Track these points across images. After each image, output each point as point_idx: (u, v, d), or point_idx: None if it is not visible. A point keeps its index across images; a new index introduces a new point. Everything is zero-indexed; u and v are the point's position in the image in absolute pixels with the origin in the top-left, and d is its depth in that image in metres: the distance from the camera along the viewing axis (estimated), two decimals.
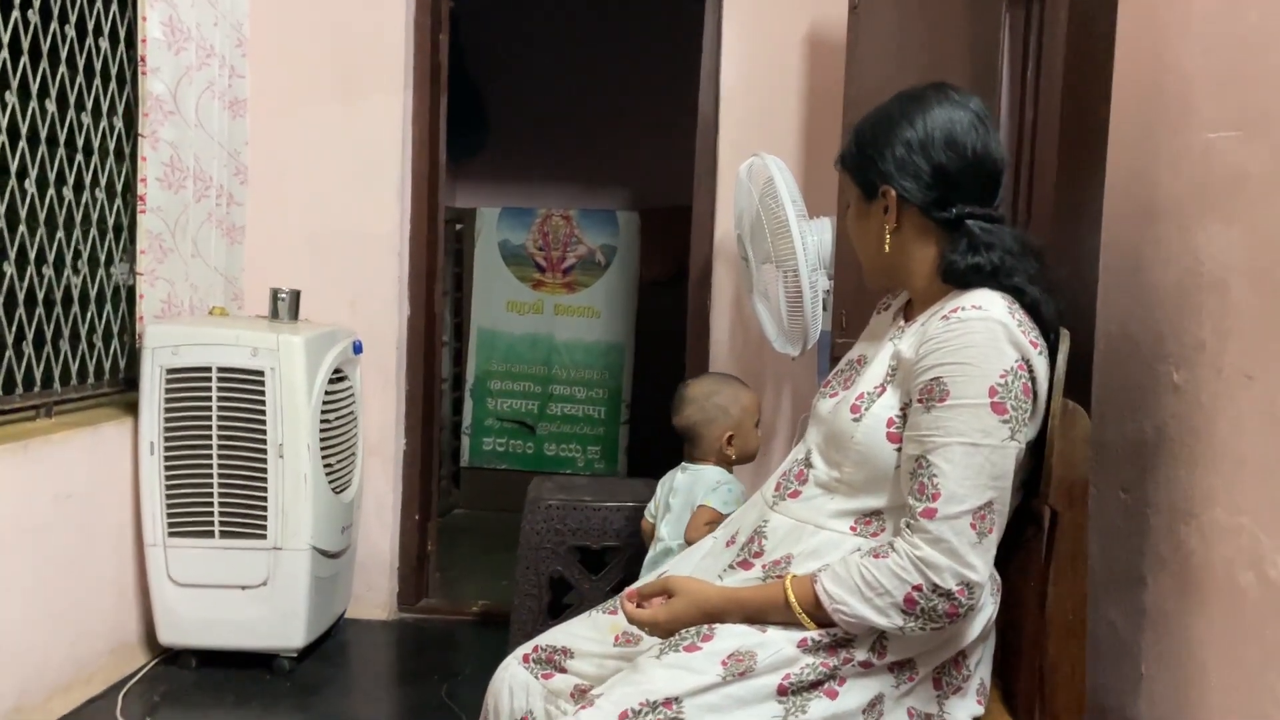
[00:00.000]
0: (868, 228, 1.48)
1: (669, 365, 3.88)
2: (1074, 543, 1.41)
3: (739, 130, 3.13)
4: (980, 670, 1.44)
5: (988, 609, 1.39)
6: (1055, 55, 2.10)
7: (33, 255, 2.53)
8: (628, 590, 1.51)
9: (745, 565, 1.46)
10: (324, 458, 2.80)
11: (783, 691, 1.30)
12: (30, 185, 2.50)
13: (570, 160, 5.06)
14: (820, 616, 1.32)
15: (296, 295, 2.94)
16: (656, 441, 4.60)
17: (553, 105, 4.97)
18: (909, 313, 1.49)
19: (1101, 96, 1.70)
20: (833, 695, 1.32)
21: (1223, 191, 1.32)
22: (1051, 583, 1.42)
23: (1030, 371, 1.32)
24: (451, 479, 4.95)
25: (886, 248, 1.44)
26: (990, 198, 1.41)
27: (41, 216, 2.54)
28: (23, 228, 2.48)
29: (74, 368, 2.68)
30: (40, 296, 2.55)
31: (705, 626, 1.37)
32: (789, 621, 1.35)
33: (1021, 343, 1.31)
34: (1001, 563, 1.49)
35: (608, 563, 2.70)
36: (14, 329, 2.47)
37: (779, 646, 1.32)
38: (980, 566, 1.28)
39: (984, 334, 1.30)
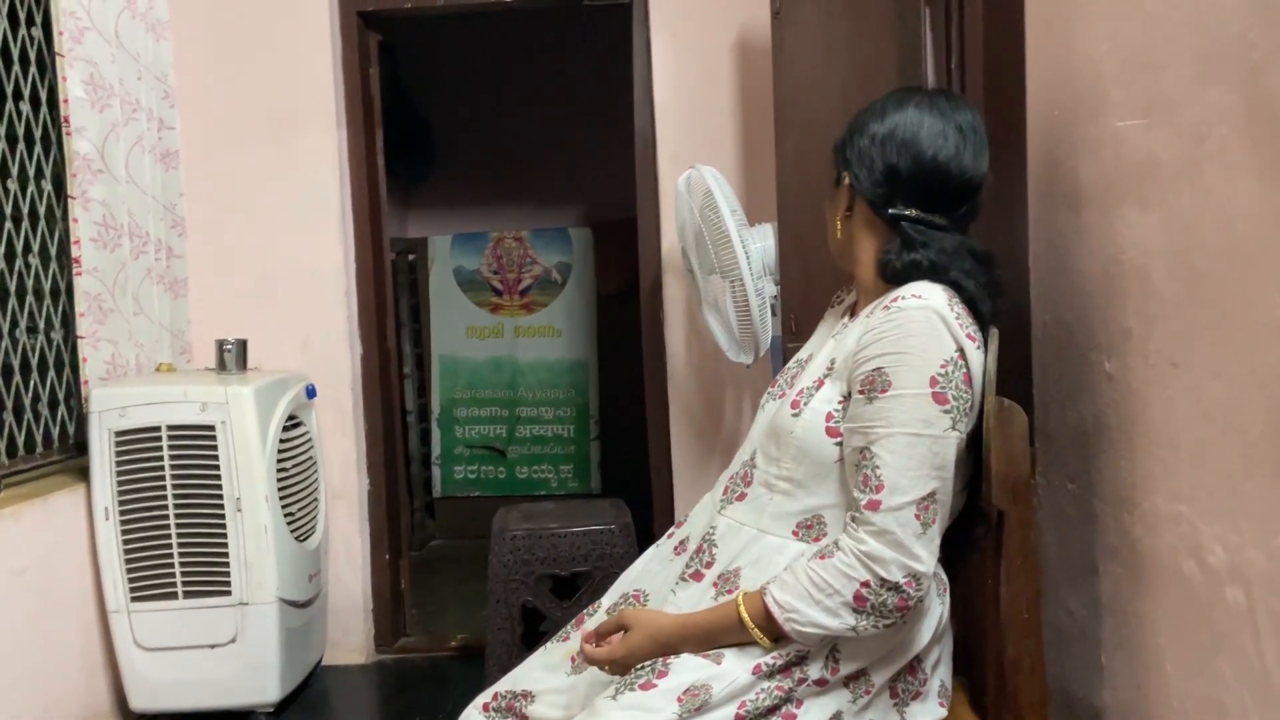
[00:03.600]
0: (831, 211, 1.52)
1: (634, 378, 3.87)
2: (1022, 540, 1.40)
3: (676, 142, 3.13)
4: (939, 673, 1.43)
5: (935, 610, 1.39)
6: (975, 48, 2.11)
7: None
8: (585, 631, 1.50)
9: (697, 577, 1.45)
10: (284, 506, 2.76)
11: None
12: None
13: (519, 182, 5.04)
14: (774, 631, 1.31)
15: (243, 345, 2.90)
16: (628, 456, 4.59)
17: (498, 128, 4.95)
18: (855, 310, 1.50)
19: (1017, 87, 1.70)
20: (791, 719, 1.30)
21: (1137, 178, 1.32)
22: (1004, 581, 1.41)
23: (967, 363, 1.32)
24: (425, 510, 4.91)
25: (839, 233, 1.49)
26: (942, 206, 1.40)
27: None
28: None
29: (20, 439, 2.63)
30: None
31: (660, 662, 1.35)
32: (744, 641, 1.33)
33: (959, 334, 1.31)
34: (955, 564, 1.49)
35: (579, 587, 2.68)
36: None
37: (734, 675, 1.31)
38: (925, 557, 1.28)
39: (923, 323, 1.30)
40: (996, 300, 1.39)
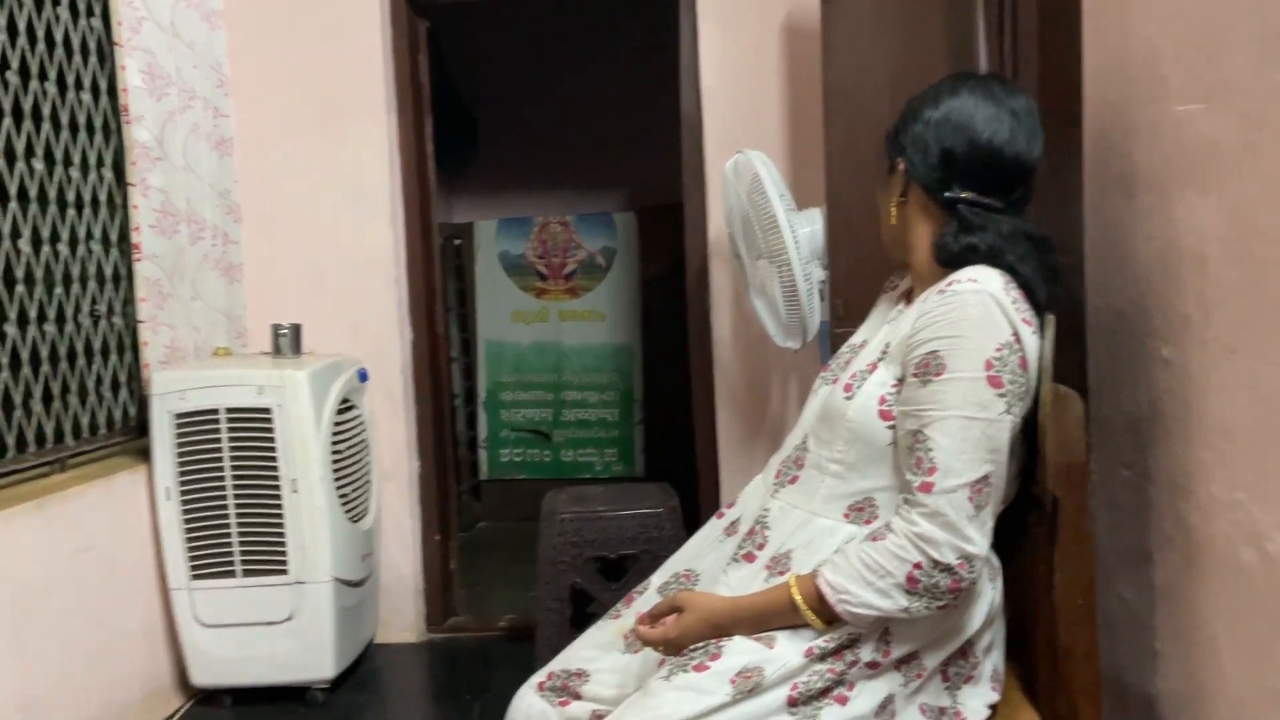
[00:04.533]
0: (884, 198, 1.52)
1: (679, 362, 3.88)
2: (1077, 527, 1.40)
3: (723, 126, 3.13)
4: (991, 658, 1.44)
5: (987, 594, 1.39)
6: (1029, 31, 2.09)
7: (34, 313, 2.55)
8: (639, 613, 1.52)
9: (749, 559, 1.47)
10: (338, 488, 2.81)
11: (793, 703, 1.30)
12: (25, 244, 2.53)
13: (564, 167, 5.06)
14: (826, 612, 1.32)
15: (298, 329, 2.95)
16: (672, 440, 4.61)
17: (542, 114, 4.97)
18: (910, 296, 1.50)
19: (1074, 72, 1.69)
20: (843, 701, 1.32)
21: (1196, 163, 1.31)
22: (1058, 568, 1.41)
23: (1023, 348, 1.32)
24: (472, 493, 4.97)
25: (893, 219, 1.49)
26: (997, 190, 1.41)
27: (39, 274, 2.57)
28: (20, 287, 2.51)
29: (84, 420, 2.71)
30: (45, 353, 2.58)
31: (713, 644, 1.37)
32: (797, 624, 1.35)
33: (1014, 319, 1.31)
34: (1008, 550, 1.49)
35: (627, 570, 2.71)
36: (21, 388, 2.50)
37: (786, 658, 1.32)
38: (978, 539, 1.28)
39: (978, 307, 1.30)
40: (1053, 285, 1.39)
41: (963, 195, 1.40)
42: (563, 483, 3.87)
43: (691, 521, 3.06)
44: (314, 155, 3.26)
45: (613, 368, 4.95)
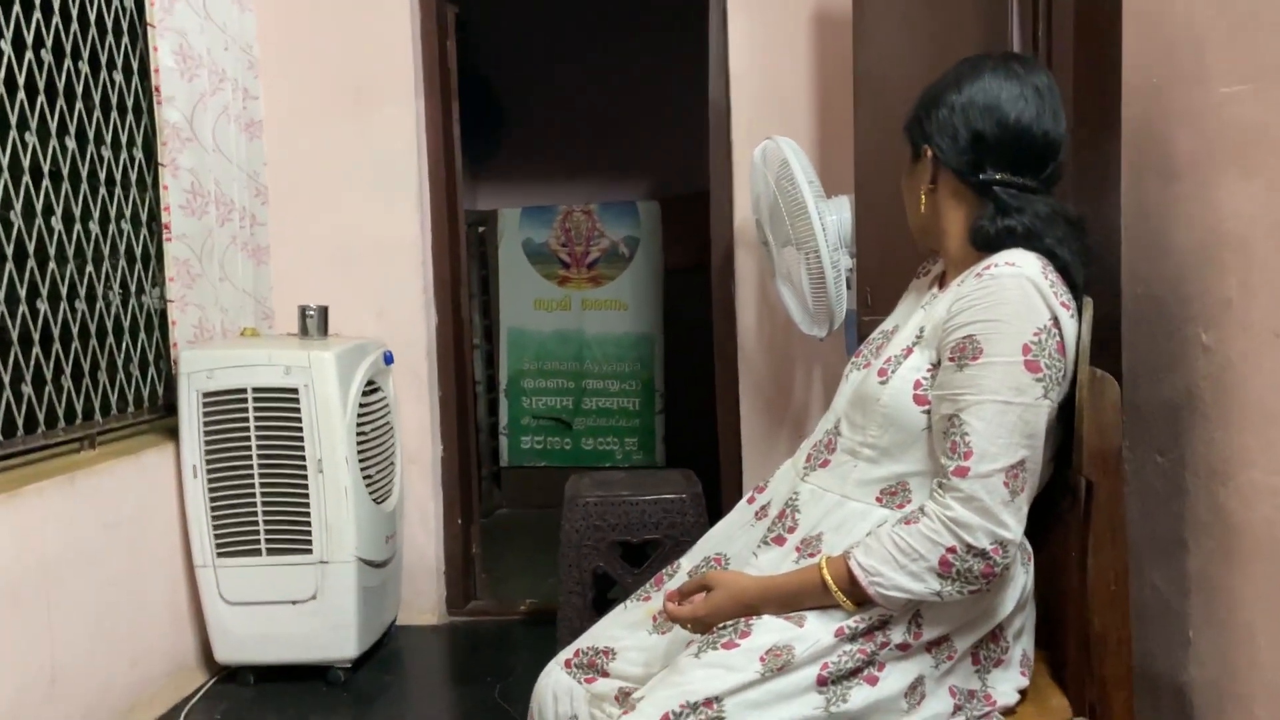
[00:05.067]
0: (911, 187, 1.50)
1: (700, 353, 3.88)
2: (1111, 512, 1.39)
3: (751, 114, 3.12)
4: (1021, 642, 1.43)
5: (1019, 579, 1.39)
6: (1065, 16, 2.07)
7: (64, 290, 2.57)
8: (662, 582, 1.52)
9: (779, 541, 1.46)
10: (363, 469, 2.83)
11: (822, 682, 1.30)
12: (56, 222, 2.55)
13: (588, 155, 5.06)
14: (857, 594, 1.32)
15: (324, 311, 2.97)
16: (692, 429, 4.61)
17: (567, 101, 4.97)
18: (944, 281, 1.49)
19: (1113, 57, 1.67)
20: (873, 681, 1.31)
21: (1240, 146, 1.30)
22: (1091, 553, 1.40)
23: (1061, 332, 1.31)
24: (492, 479, 4.99)
25: (923, 207, 1.47)
26: (1029, 169, 1.40)
27: (70, 251, 2.59)
28: (52, 264, 2.53)
29: (113, 398, 2.73)
30: (75, 330, 2.60)
31: (743, 622, 1.37)
32: (827, 604, 1.34)
33: (1053, 302, 1.30)
34: (1040, 535, 1.48)
35: (649, 555, 2.71)
36: (52, 363, 2.52)
37: (816, 637, 1.32)
38: (1013, 525, 1.27)
39: (1016, 290, 1.29)
40: (1089, 267, 1.38)
41: (997, 177, 1.39)
42: (583, 471, 3.88)
43: (713, 510, 3.07)
44: (342, 139, 3.27)
45: (634, 357, 4.95)
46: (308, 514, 2.73)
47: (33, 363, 2.46)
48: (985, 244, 1.39)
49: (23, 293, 2.43)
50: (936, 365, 1.36)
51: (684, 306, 4.78)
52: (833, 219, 2.55)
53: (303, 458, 2.71)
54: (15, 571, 2.23)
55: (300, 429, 2.71)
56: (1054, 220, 1.37)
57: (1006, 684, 1.41)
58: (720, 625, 1.39)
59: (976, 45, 2.42)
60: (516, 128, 5.03)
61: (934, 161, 1.43)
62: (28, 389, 2.44)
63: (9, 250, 2.39)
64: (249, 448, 2.72)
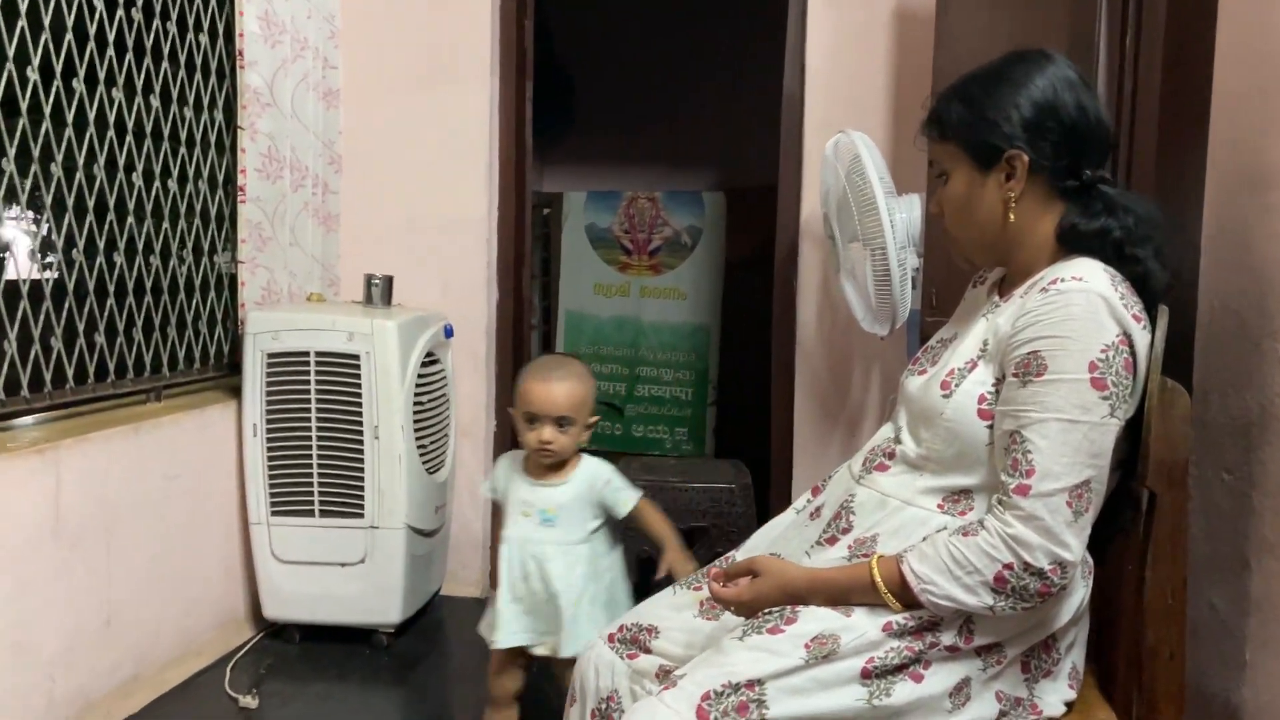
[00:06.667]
0: (981, 198, 1.39)
1: (755, 346, 3.87)
2: (1173, 525, 1.36)
3: (825, 108, 3.09)
4: (1072, 654, 1.41)
5: (1079, 592, 1.36)
6: (1155, 20, 2.02)
7: (140, 245, 2.64)
8: (713, 570, 1.52)
9: (832, 541, 1.45)
10: (417, 439, 2.86)
11: (866, 675, 1.29)
12: (137, 178, 2.61)
13: (656, 143, 5.06)
14: (907, 597, 1.31)
15: (389, 281, 3.01)
16: (743, 423, 4.61)
17: (638, 88, 4.98)
18: (1004, 289, 1.46)
19: (1204, 62, 1.63)
20: (918, 679, 1.30)
21: None
22: (1149, 566, 1.38)
23: (1131, 347, 1.28)
24: None
25: (1012, 216, 1.37)
26: (1102, 163, 1.37)
27: (148, 208, 2.66)
28: (130, 219, 2.59)
29: (181, 353, 2.80)
30: (149, 285, 2.67)
31: (789, 609, 1.36)
32: (874, 603, 1.33)
33: (1124, 316, 1.27)
34: (1098, 546, 1.46)
35: (695, 542, 2.71)
36: (125, 316, 2.59)
37: (863, 630, 1.31)
38: (1075, 545, 1.25)
39: (1084, 307, 1.26)
40: (1168, 275, 1.35)
41: (1098, 175, 1.36)
42: (631, 456, 3.89)
43: (761, 504, 3.06)
44: (416, 113, 3.31)
45: (689, 347, 4.94)
46: (361, 479, 2.77)
47: (106, 314, 2.53)
48: (1078, 244, 1.35)
49: (101, 245, 2.50)
50: (1001, 380, 1.33)
51: (742, 299, 4.77)
52: (902, 216, 2.52)
53: (360, 423, 2.76)
54: (80, 514, 2.30)
55: (359, 395, 2.75)
56: (1151, 221, 1.33)
57: (1054, 695, 1.39)
58: (765, 611, 1.39)
59: (1061, 46, 2.38)
60: (586, 112, 5.05)
61: (1028, 167, 1.35)
62: (100, 339, 2.51)
63: (90, 203, 2.46)
64: (309, 410, 2.77)
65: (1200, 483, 1.61)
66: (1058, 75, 1.35)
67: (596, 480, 2.12)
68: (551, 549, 2.07)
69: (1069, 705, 1.41)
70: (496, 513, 2.19)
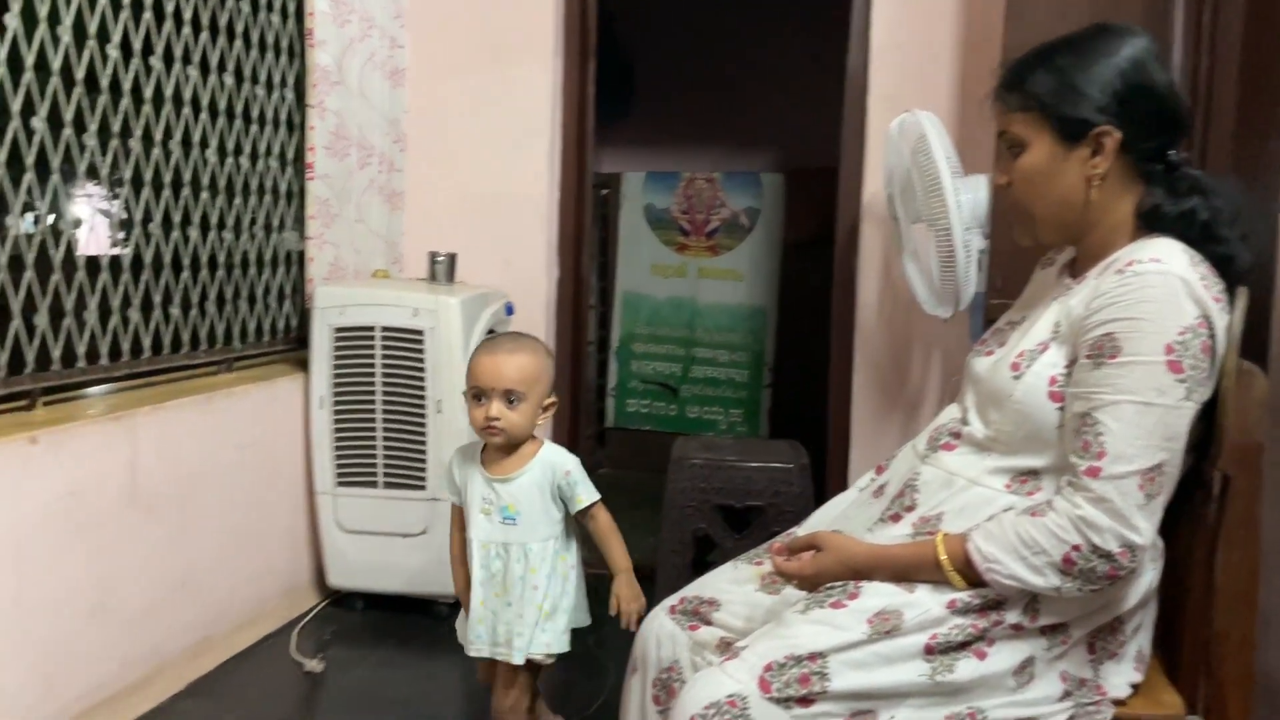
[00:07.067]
0: (1062, 172, 1.35)
1: (812, 329, 3.85)
2: (1246, 509, 1.35)
3: (889, 87, 3.06)
4: (1139, 638, 1.40)
5: (1148, 575, 1.35)
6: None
7: (214, 221, 2.71)
8: (775, 544, 1.53)
9: (895, 519, 1.45)
10: None
11: (929, 651, 1.29)
12: (211, 154, 2.68)
13: (714, 123, 5.04)
14: (971, 576, 1.31)
15: (453, 258, 3.05)
16: (798, 405, 4.59)
17: (698, 68, 4.96)
18: (1075, 270, 1.44)
19: None
20: (981, 656, 1.30)
21: None
22: (1221, 550, 1.37)
23: (1210, 329, 1.26)
24: (596, 439, 5.06)
25: (1093, 194, 1.34)
26: (1180, 142, 1.35)
27: (221, 184, 2.72)
28: (204, 194, 2.66)
29: (251, 326, 2.87)
30: (221, 259, 2.74)
31: (852, 584, 1.37)
32: (938, 580, 1.33)
33: (1203, 298, 1.25)
34: (1168, 529, 1.44)
35: (750, 522, 2.72)
36: (198, 290, 2.66)
37: (927, 607, 1.31)
38: (1145, 529, 1.24)
39: (1162, 289, 1.24)
40: (1251, 257, 1.32)
41: (1184, 155, 1.34)
42: (687, 435, 3.90)
43: (819, 486, 3.06)
44: (481, 92, 3.34)
45: (746, 329, 4.94)
46: (424, 452, 2.82)
47: (181, 287, 2.60)
48: (1162, 225, 1.33)
49: (176, 219, 2.57)
50: (1073, 362, 1.32)
51: (800, 281, 4.75)
52: (968, 197, 2.49)
53: (423, 397, 2.80)
54: (156, 479, 2.37)
55: (423, 369, 2.80)
56: (1239, 204, 1.31)
57: (1119, 677, 1.38)
58: (828, 585, 1.39)
59: (1138, 24, 2.34)
60: (646, 92, 5.05)
61: (1115, 144, 1.31)
62: (175, 311, 2.58)
63: (166, 178, 2.52)
64: (373, 383, 2.82)
65: (1274, 468, 1.58)
66: (1149, 51, 1.32)
67: (557, 470, 1.93)
68: (515, 549, 1.94)
69: (1134, 688, 1.40)
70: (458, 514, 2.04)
